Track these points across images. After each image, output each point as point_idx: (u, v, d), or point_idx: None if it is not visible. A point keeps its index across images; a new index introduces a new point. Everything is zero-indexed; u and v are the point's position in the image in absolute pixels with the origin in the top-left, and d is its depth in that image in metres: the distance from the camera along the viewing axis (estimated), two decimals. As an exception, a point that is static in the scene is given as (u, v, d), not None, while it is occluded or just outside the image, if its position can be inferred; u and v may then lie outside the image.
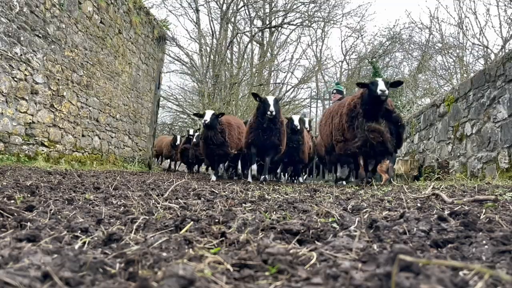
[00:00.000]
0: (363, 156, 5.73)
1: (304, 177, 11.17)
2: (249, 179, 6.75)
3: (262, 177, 6.65)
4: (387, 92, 5.03)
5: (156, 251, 0.98)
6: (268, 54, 23.59)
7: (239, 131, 7.95)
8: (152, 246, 1.07)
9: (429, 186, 3.46)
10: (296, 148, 7.65)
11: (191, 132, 12.66)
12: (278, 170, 9.68)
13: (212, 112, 7.16)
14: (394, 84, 5.59)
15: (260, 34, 23.17)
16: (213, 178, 7.38)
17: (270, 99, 6.16)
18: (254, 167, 6.71)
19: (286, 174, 10.62)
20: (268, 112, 6.01)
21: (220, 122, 7.28)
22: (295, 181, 9.75)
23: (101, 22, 10.45)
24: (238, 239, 1.15)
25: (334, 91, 9.09)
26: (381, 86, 5.05)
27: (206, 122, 6.88)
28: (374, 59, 22.21)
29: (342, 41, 40.77)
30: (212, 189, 3.44)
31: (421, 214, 1.69)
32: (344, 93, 9.08)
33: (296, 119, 7.48)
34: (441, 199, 2.54)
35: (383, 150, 5.35)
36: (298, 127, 7.41)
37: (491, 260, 0.97)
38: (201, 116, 7.29)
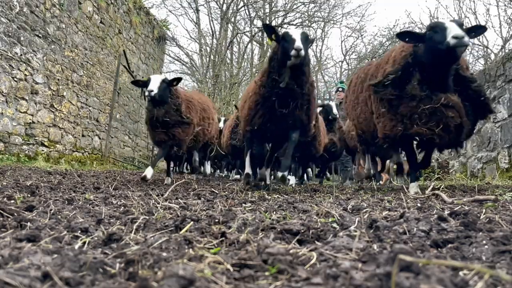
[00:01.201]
0: (420, 145, 3.66)
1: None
2: (247, 170, 4.43)
3: (278, 174, 3.79)
4: (466, 39, 2.85)
5: (156, 251, 0.98)
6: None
7: (202, 115, 5.46)
8: (152, 246, 1.07)
9: (429, 186, 3.46)
10: (311, 141, 5.45)
11: None
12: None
13: (162, 77, 4.52)
14: (473, 32, 3.21)
15: (260, 34, 23.14)
16: (149, 171, 4.48)
17: (295, 33, 3.52)
18: (263, 171, 4.27)
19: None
20: (293, 52, 3.34)
21: (174, 94, 4.64)
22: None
23: (101, 22, 10.45)
24: (238, 239, 1.15)
25: (340, 89, 8.88)
26: (455, 30, 2.87)
27: (153, 93, 4.26)
28: (374, 59, 22.21)
29: (342, 41, 40.71)
30: (212, 189, 3.44)
31: (421, 214, 1.69)
32: None
33: None
34: (441, 199, 2.54)
35: (454, 139, 3.32)
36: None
37: (491, 260, 0.97)
38: (143, 84, 4.53)
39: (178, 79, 4.68)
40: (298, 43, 3.37)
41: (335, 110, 6.64)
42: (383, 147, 3.78)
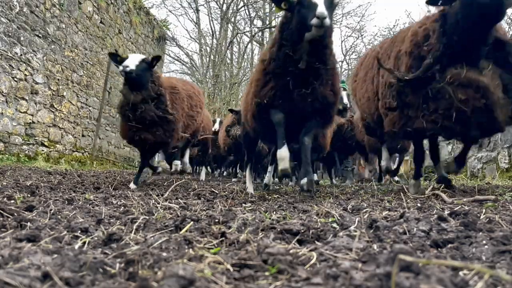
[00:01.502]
0: (446, 137, 3.02)
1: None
2: (249, 189, 3.75)
3: (304, 180, 2.84)
4: None
5: (156, 251, 0.98)
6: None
7: (190, 103, 4.55)
8: (152, 246, 1.07)
9: (429, 186, 3.46)
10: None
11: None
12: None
13: (142, 56, 3.81)
14: None
15: (260, 34, 23.18)
16: (132, 185, 3.91)
17: None
18: (285, 153, 2.95)
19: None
20: (314, 20, 2.48)
21: (156, 81, 3.85)
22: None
23: (101, 22, 10.45)
24: (238, 239, 1.15)
25: (341, 89, 8.76)
26: None
27: (128, 69, 3.55)
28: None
29: (342, 41, 40.60)
30: (212, 189, 3.44)
31: (421, 214, 1.69)
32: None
33: None
34: (441, 199, 2.54)
35: (485, 124, 2.57)
36: None
37: (491, 260, 0.97)
38: (121, 61, 3.69)
39: (158, 57, 3.89)
40: (321, 9, 2.45)
41: (346, 99, 6.01)
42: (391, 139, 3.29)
